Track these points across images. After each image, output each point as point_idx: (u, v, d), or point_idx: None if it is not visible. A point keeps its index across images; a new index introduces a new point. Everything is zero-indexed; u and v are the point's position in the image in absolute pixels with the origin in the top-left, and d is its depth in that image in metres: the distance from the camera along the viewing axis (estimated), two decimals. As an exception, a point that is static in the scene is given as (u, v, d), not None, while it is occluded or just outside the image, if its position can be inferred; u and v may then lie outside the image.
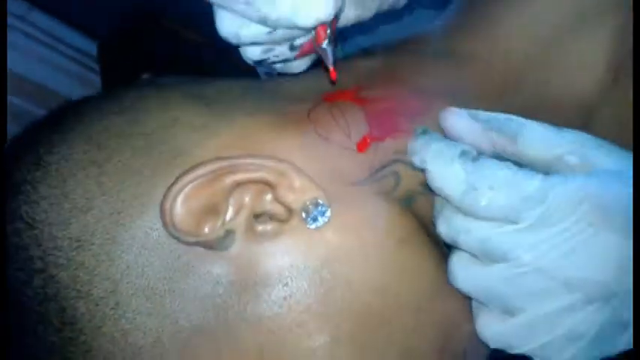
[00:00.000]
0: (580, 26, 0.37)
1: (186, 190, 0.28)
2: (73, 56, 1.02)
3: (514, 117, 0.30)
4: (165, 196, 0.28)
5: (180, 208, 0.28)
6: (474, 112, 0.31)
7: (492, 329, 0.29)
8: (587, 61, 0.38)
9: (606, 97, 0.38)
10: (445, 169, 0.29)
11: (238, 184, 0.29)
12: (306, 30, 0.31)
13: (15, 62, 0.93)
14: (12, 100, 0.94)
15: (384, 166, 0.32)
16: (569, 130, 0.29)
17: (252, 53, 0.33)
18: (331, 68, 0.33)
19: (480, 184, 0.28)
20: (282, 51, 0.33)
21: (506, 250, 0.28)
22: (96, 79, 1.03)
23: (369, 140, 0.32)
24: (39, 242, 0.29)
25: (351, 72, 0.36)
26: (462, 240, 0.29)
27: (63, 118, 0.32)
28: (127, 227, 0.28)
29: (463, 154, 0.29)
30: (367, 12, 0.36)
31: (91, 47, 1.03)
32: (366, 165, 0.32)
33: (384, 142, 0.32)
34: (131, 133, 0.30)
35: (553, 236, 0.27)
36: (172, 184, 0.28)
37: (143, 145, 0.30)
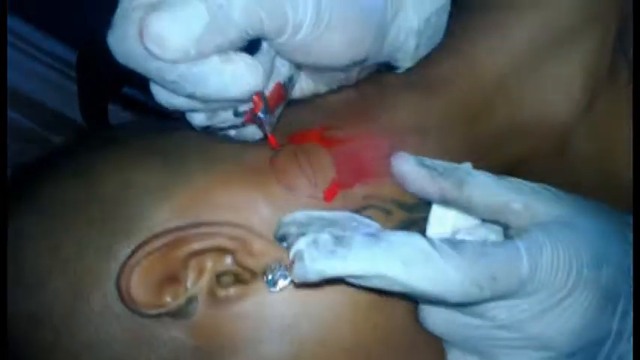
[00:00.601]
0: (555, 49, 0.37)
1: (141, 264, 0.27)
2: (51, 64, 1.00)
3: (459, 165, 0.30)
4: (120, 273, 0.27)
5: (137, 283, 0.27)
6: (421, 158, 0.30)
7: None
8: (562, 84, 0.37)
9: (582, 120, 0.37)
10: (434, 278, 0.25)
11: (195, 253, 0.28)
12: (242, 101, 0.29)
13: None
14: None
15: (354, 213, 0.31)
16: (507, 178, 0.30)
17: (197, 119, 0.31)
18: (270, 137, 0.31)
19: (481, 279, 0.26)
20: (227, 117, 0.30)
21: (485, 310, 0.27)
22: (73, 87, 1.01)
23: (336, 189, 0.31)
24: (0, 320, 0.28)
25: (317, 108, 0.35)
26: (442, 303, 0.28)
27: (18, 183, 0.31)
28: (85, 301, 0.28)
29: (434, 245, 0.26)
30: (322, 87, 0.35)
31: (70, 55, 1.01)
32: None
33: (353, 188, 0.31)
34: (86, 200, 0.29)
35: (531, 302, 0.27)
36: (126, 260, 0.27)
37: (98, 214, 0.29)
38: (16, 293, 0.28)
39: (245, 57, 0.27)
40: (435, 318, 0.30)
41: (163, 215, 0.29)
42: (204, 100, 0.28)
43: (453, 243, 0.27)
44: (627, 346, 0.29)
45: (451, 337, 0.30)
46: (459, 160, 0.32)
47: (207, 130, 0.32)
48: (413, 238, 0.26)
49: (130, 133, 0.34)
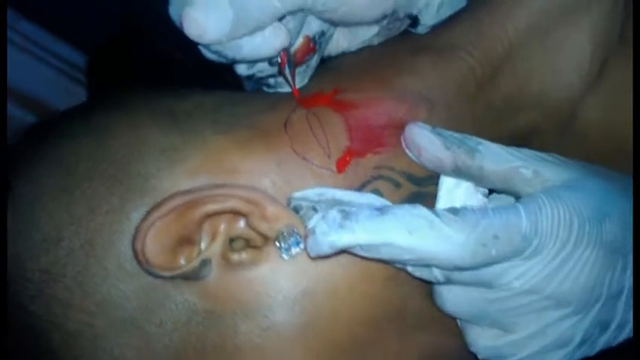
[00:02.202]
0: (564, 18, 0.36)
1: (156, 225, 0.27)
2: (60, 67, 1.00)
3: (471, 136, 0.31)
4: (135, 235, 0.27)
5: (152, 244, 0.27)
6: (436, 128, 0.31)
7: (484, 344, 0.29)
8: (571, 53, 0.36)
9: (592, 89, 0.36)
10: (438, 241, 0.26)
11: (210, 215, 0.28)
12: (274, 57, 0.32)
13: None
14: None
15: (364, 184, 0.31)
16: (515, 147, 0.31)
17: (239, 69, 0.33)
18: (294, 89, 0.32)
19: (484, 238, 0.26)
20: (264, 66, 0.33)
21: (498, 278, 0.27)
22: (83, 92, 1.02)
23: (348, 158, 0.31)
24: (11, 274, 0.28)
25: (331, 70, 0.35)
26: (455, 277, 0.28)
27: (32, 140, 0.31)
28: (98, 259, 0.27)
29: (436, 214, 0.27)
30: (354, 44, 0.36)
31: (79, 59, 1.02)
32: (346, 184, 0.30)
33: (365, 157, 0.31)
34: (99, 157, 0.29)
35: (539, 262, 0.27)
36: (141, 222, 0.27)
37: (110, 171, 0.28)
38: (30, 248, 0.28)
39: None
40: (450, 298, 0.29)
41: (177, 176, 0.29)
42: (242, 61, 0.31)
43: (454, 210, 0.27)
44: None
45: (469, 316, 0.30)
46: (466, 131, 0.32)
47: (250, 79, 0.34)
48: (416, 209, 0.27)
49: (142, 95, 0.33)
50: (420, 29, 0.36)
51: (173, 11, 0.29)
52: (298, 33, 0.32)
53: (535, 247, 0.27)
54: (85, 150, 0.29)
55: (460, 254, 0.26)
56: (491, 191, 0.33)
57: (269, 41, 0.29)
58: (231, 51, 0.29)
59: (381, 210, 0.27)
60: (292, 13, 0.30)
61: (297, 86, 0.34)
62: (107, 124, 0.30)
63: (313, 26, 0.32)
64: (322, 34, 0.33)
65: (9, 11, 0.93)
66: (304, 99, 0.33)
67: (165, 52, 0.96)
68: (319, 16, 0.31)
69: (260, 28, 0.29)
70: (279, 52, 0.31)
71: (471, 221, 0.26)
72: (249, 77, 0.33)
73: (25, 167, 0.29)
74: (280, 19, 0.30)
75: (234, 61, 0.31)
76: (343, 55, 0.37)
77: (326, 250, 0.26)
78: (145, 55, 0.98)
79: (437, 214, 0.26)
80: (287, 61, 0.31)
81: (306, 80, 0.34)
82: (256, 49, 0.29)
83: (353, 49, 0.36)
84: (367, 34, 0.35)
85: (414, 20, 0.35)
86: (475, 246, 0.26)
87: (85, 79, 1.00)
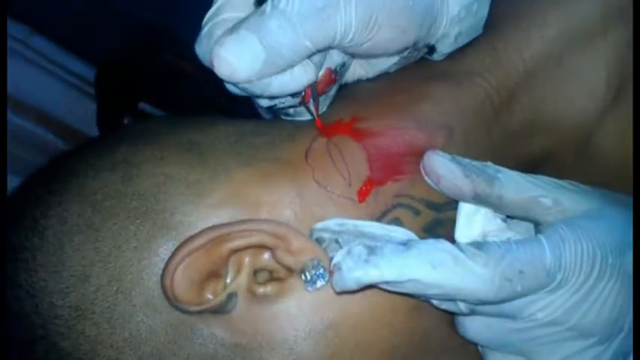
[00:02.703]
0: (580, 45, 0.36)
1: (185, 262, 0.27)
2: (71, 82, 1.01)
3: (489, 163, 0.31)
4: (164, 272, 0.27)
5: (180, 281, 0.27)
6: (455, 157, 0.31)
7: None
8: (586, 80, 0.36)
9: (607, 116, 0.37)
10: (464, 276, 0.26)
11: (237, 250, 0.28)
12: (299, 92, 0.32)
13: (14, 85, 0.92)
14: (11, 118, 0.93)
15: (384, 213, 0.31)
16: (535, 175, 0.31)
17: (261, 101, 0.33)
18: (317, 121, 0.33)
19: (509, 273, 0.26)
20: (286, 99, 0.32)
21: (521, 311, 0.27)
22: (92, 105, 1.02)
23: (369, 187, 0.31)
24: (39, 311, 0.28)
25: (349, 98, 0.35)
26: (480, 310, 0.28)
27: (57, 176, 0.31)
28: (126, 295, 0.27)
29: (460, 248, 0.27)
30: (371, 72, 0.36)
31: (90, 73, 1.02)
32: (367, 213, 0.30)
33: (385, 185, 0.31)
34: (124, 193, 0.29)
35: (563, 294, 0.27)
36: (170, 258, 0.27)
37: (137, 206, 0.28)
38: (59, 285, 0.28)
39: None
40: (473, 327, 0.30)
41: (203, 210, 0.29)
42: (269, 97, 0.31)
43: (478, 244, 0.27)
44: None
45: (491, 343, 0.30)
46: (483, 157, 0.32)
47: (271, 110, 0.34)
48: (440, 243, 0.27)
49: (162, 127, 0.33)
50: (436, 56, 0.36)
51: (200, 50, 0.30)
52: (321, 67, 0.32)
53: (559, 281, 0.27)
54: (111, 186, 0.29)
55: (485, 289, 0.26)
56: (508, 215, 0.33)
57: (297, 78, 0.29)
58: (259, 88, 0.29)
59: (405, 244, 0.27)
60: (322, 51, 0.30)
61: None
62: (132, 159, 0.30)
63: (335, 58, 0.33)
64: (343, 65, 0.33)
65: (20, 27, 0.93)
66: (324, 128, 0.33)
67: (174, 65, 0.97)
68: (343, 50, 0.31)
69: (290, 66, 0.29)
70: (305, 87, 0.31)
71: (495, 256, 0.26)
72: (269, 108, 0.34)
73: (52, 203, 0.29)
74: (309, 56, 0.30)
75: (259, 97, 0.32)
76: (359, 82, 0.37)
77: (351, 285, 0.26)
78: (155, 68, 0.98)
79: (461, 249, 0.27)
80: (311, 94, 0.32)
81: (324, 108, 0.35)
82: (284, 86, 0.29)
83: (370, 76, 0.36)
84: (386, 64, 0.35)
85: (431, 48, 0.35)
86: (500, 281, 0.26)
87: (95, 92, 1.00)
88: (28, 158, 0.95)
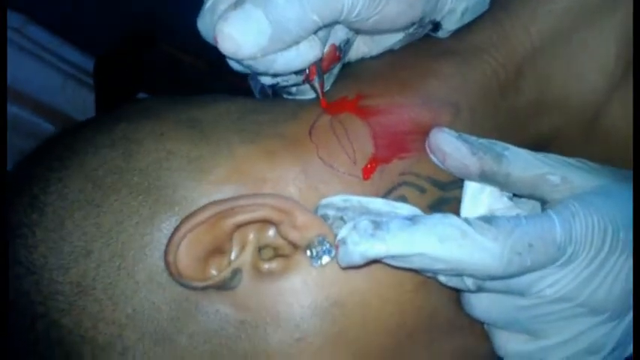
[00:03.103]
0: (588, 19, 0.35)
1: (188, 237, 0.26)
2: (68, 71, 1.00)
3: (496, 141, 0.30)
4: (167, 247, 0.26)
5: (184, 256, 0.26)
6: (461, 134, 0.30)
7: (513, 349, 0.29)
8: (595, 55, 0.36)
9: (616, 92, 0.36)
10: (472, 250, 0.25)
11: (241, 225, 0.27)
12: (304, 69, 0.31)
13: (10, 75, 0.91)
14: (8, 108, 0.93)
15: (389, 191, 0.30)
16: (542, 153, 0.30)
17: (264, 79, 0.32)
18: (322, 99, 0.32)
19: (519, 247, 0.26)
20: (290, 76, 0.32)
21: (530, 287, 0.27)
22: (90, 95, 1.01)
23: (374, 164, 0.30)
24: (39, 288, 0.27)
25: (352, 76, 0.34)
26: (487, 286, 0.28)
27: (56, 153, 0.30)
28: (129, 271, 0.27)
29: (469, 222, 0.26)
30: (375, 49, 0.35)
31: (87, 63, 1.01)
32: (372, 191, 0.30)
33: (390, 163, 0.31)
34: (126, 169, 0.28)
35: (573, 269, 0.27)
36: (173, 234, 0.26)
37: (139, 182, 0.28)
38: (60, 261, 0.27)
39: None
40: (480, 305, 0.29)
41: (205, 186, 0.28)
42: (274, 75, 0.30)
43: (487, 218, 0.27)
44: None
45: (498, 321, 0.29)
46: (489, 135, 0.31)
47: (274, 88, 0.33)
48: (448, 218, 0.26)
49: (162, 104, 0.32)
50: (441, 34, 0.35)
51: (203, 25, 0.29)
52: (325, 43, 0.31)
53: (569, 255, 0.26)
54: (112, 162, 0.28)
55: (495, 264, 0.25)
56: (515, 195, 0.32)
57: (303, 55, 0.29)
58: (263, 65, 0.28)
59: (412, 219, 0.26)
60: (328, 26, 0.29)
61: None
62: (132, 136, 0.29)
63: (339, 34, 0.32)
64: (347, 41, 0.33)
65: (16, 15, 0.92)
66: (329, 106, 0.32)
67: (173, 55, 0.96)
68: (349, 25, 0.31)
69: (296, 42, 0.28)
70: (311, 64, 0.30)
71: (505, 230, 0.26)
72: (273, 86, 0.33)
73: (52, 179, 0.29)
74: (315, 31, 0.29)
75: (263, 74, 0.31)
76: (363, 59, 0.36)
77: (357, 260, 0.26)
78: (153, 57, 0.97)
79: (469, 223, 0.26)
80: (317, 72, 0.31)
81: (328, 87, 0.34)
82: (290, 62, 0.29)
83: (373, 53, 0.35)
84: (390, 41, 0.35)
85: (436, 25, 0.35)
86: (510, 255, 0.25)
87: (93, 83, 0.99)
88: (24, 147, 0.94)
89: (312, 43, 0.29)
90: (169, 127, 0.30)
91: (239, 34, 0.26)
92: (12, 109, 0.94)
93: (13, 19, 0.93)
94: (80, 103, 1.01)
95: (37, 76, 0.96)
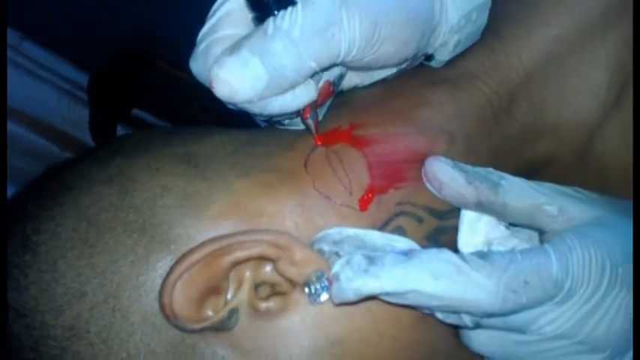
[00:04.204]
0: (579, 44, 0.35)
1: (183, 277, 0.25)
2: (63, 87, 0.99)
3: (492, 170, 0.30)
4: (162, 289, 0.25)
5: (179, 297, 0.25)
6: (458, 163, 0.30)
7: None
8: (587, 81, 0.35)
9: (609, 117, 0.35)
10: (467, 287, 0.25)
11: (237, 263, 0.26)
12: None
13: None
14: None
15: (387, 222, 0.30)
16: (539, 182, 0.30)
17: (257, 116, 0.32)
18: (315, 137, 0.31)
19: (514, 284, 0.25)
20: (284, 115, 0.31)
21: (528, 324, 0.26)
22: (85, 111, 1.00)
23: (371, 195, 0.30)
24: (30, 332, 0.26)
25: (345, 105, 0.34)
26: (485, 323, 0.27)
27: (49, 190, 0.29)
28: (124, 313, 0.26)
29: (464, 258, 0.25)
30: (367, 80, 0.35)
31: (82, 79, 1.00)
32: (369, 222, 0.29)
33: (387, 193, 0.30)
34: (120, 206, 0.27)
35: (571, 306, 0.26)
36: (168, 275, 0.25)
37: (134, 220, 0.27)
38: (53, 303, 0.26)
39: None
40: (479, 340, 0.29)
41: (202, 222, 0.27)
42: (268, 116, 0.29)
43: (481, 254, 0.26)
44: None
45: (497, 356, 0.29)
46: (484, 162, 0.31)
47: (266, 120, 0.32)
48: (442, 253, 0.26)
49: (157, 138, 0.32)
50: (434, 63, 0.35)
51: (196, 68, 0.28)
52: (320, 80, 0.31)
53: (567, 291, 0.26)
54: (106, 199, 0.28)
55: (490, 301, 0.25)
56: (512, 223, 0.32)
57: (298, 98, 0.28)
58: (258, 108, 0.28)
59: (406, 254, 0.26)
60: (325, 70, 0.29)
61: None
62: (128, 171, 0.29)
63: (334, 71, 0.31)
64: (341, 76, 0.32)
65: (11, 32, 0.91)
66: (322, 136, 0.32)
67: (166, 71, 0.95)
68: (344, 65, 0.30)
69: (292, 87, 0.28)
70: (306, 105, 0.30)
71: (500, 266, 0.25)
72: (265, 119, 0.32)
73: (45, 218, 0.28)
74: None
75: (258, 115, 0.30)
76: (355, 88, 0.35)
77: (351, 297, 0.25)
78: (147, 74, 0.97)
79: (464, 259, 0.26)
80: (311, 111, 0.30)
81: (320, 117, 0.33)
82: (285, 105, 0.28)
83: (365, 83, 0.35)
84: (383, 74, 0.34)
85: (429, 56, 0.34)
86: (505, 292, 0.25)
87: (87, 99, 0.98)
88: (19, 164, 0.93)
89: (307, 87, 0.28)
90: (165, 161, 0.29)
91: (235, 80, 0.26)
92: (8, 126, 0.93)
93: (9, 35, 0.92)
94: (75, 119, 1.00)
95: (32, 93, 0.95)
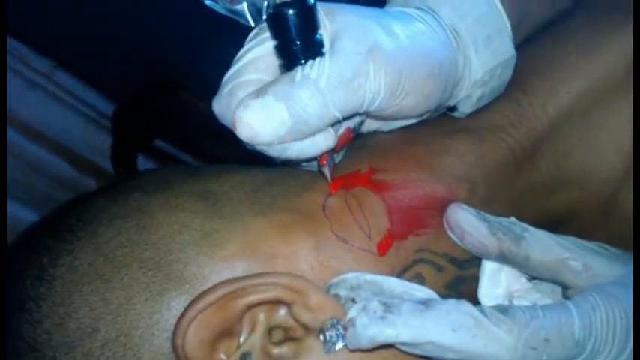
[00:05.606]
0: (605, 95, 0.35)
1: (197, 319, 0.25)
2: (89, 115, 1.01)
3: (515, 220, 0.29)
4: (176, 330, 0.25)
5: (192, 339, 0.25)
6: (480, 212, 0.29)
7: None
8: (611, 134, 0.35)
9: (632, 171, 0.34)
10: (486, 342, 0.24)
11: (253, 305, 0.26)
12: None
13: (34, 116, 0.92)
14: (28, 147, 0.94)
15: (405, 268, 0.29)
16: (563, 235, 0.29)
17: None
18: (330, 185, 0.31)
19: (534, 341, 0.24)
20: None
21: None
22: (109, 139, 1.01)
23: (390, 240, 0.29)
24: None
25: (365, 149, 0.33)
26: None
27: (68, 223, 0.29)
28: (135, 352, 0.25)
29: (483, 312, 0.25)
30: (387, 126, 0.34)
31: (108, 108, 1.02)
32: (388, 268, 0.28)
33: (406, 239, 0.29)
34: (137, 242, 0.27)
35: None
36: (183, 316, 0.25)
37: (150, 256, 0.26)
38: (65, 338, 0.25)
39: None
40: None
41: (218, 262, 0.27)
42: (286, 161, 0.29)
43: (502, 308, 0.25)
44: None
45: None
46: (506, 212, 0.30)
47: (282, 161, 0.32)
48: (462, 305, 0.25)
49: (177, 175, 0.31)
50: (457, 114, 0.35)
51: (219, 108, 0.28)
52: (340, 127, 0.30)
53: (589, 352, 0.25)
54: (124, 235, 0.27)
55: (509, 357, 0.24)
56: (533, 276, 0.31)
57: (317, 145, 0.28)
58: (276, 152, 0.27)
59: (425, 304, 0.25)
60: (347, 119, 0.29)
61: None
62: (146, 208, 0.28)
63: (355, 118, 0.31)
64: (361, 123, 0.32)
65: (45, 60, 0.94)
66: (341, 179, 0.31)
67: (191, 103, 0.96)
68: (366, 114, 0.30)
69: (313, 134, 0.27)
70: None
71: (520, 322, 0.24)
72: (282, 161, 0.31)
73: (62, 251, 0.27)
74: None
75: (275, 158, 0.30)
76: (376, 132, 0.35)
77: (365, 344, 0.24)
78: (171, 105, 0.98)
79: (484, 312, 0.25)
80: (328, 159, 0.30)
81: (337, 159, 0.33)
82: (303, 151, 0.28)
83: (385, 130, 0.35)
84: (404, 123, 0.34)
85: (452, 108, 0.34)
86: (525, 350, 0.24)
87: (110, 129, 1.00)
88: (40, 187, 0.94)
89: (327, 134, 0.28)
90: (184, 199, 0.29)
91: (258, 124, 0.26)
92: (32, 148, 0.94)
93: (43, 64, 0.95)
94: (99, 145, 1.01)
95: (59, 119, 0.97)
